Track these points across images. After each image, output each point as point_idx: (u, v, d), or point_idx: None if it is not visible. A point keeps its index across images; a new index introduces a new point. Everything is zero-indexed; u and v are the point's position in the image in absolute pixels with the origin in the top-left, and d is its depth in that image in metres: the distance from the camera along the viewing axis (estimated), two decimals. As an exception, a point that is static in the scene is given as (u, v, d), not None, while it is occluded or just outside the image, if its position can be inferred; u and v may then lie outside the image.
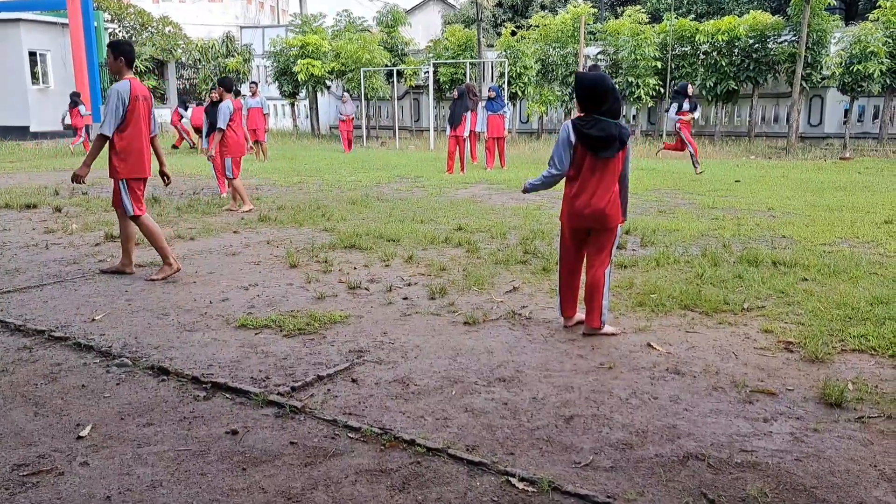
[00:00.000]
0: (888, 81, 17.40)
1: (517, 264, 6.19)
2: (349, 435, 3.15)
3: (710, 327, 4.56)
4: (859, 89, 17.57)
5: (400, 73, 23.85)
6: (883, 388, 3.57)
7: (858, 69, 17.00)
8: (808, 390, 3.58)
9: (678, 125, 13.47)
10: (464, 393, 3.59)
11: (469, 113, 13.90)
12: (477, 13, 23.58)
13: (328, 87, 25.38)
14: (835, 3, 19.62)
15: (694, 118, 13.82)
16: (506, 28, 22.99)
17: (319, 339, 4.39)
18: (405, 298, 5.22)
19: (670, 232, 7.50)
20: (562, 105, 21.51)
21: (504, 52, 21.51)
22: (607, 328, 4.45)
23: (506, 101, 15.53)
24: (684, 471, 2.84)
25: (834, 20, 18.95)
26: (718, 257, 6.23)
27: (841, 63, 17.78)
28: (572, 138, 4.27)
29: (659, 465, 2.89)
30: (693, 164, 13.66)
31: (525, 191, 4.73)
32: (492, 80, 21.10)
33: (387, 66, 23.24)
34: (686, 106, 13.38)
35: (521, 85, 21.48)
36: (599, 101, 4.24)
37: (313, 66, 23.07)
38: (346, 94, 20.53)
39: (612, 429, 3.21)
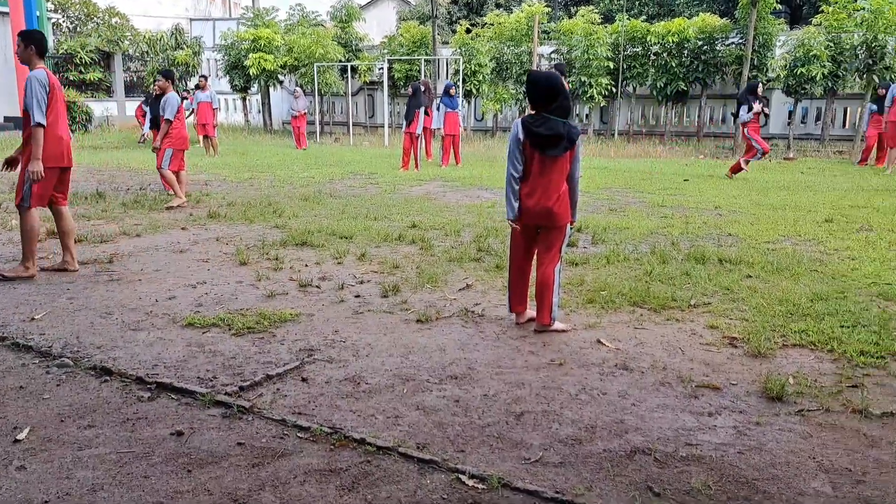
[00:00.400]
0: (829, 84, 17.96)
1: (471, 262, 6.20)
2: (298, 435, 3.11)
3: (658, 323, 4.65)
4: (802, 91, 18.10)
5: (354, 69, 23.68)
6: (822, 382, 3.68)
7: (802, 72, 17.51)
8: (750, 385, 3.67)
9: (748, 130, 12.46)
10: (415, 391, 3.58)
11: (423, 109, 13.86)
12: (432, 10, 23.55)
13: (281, 82, 25.04)
14: (780, 7, 20.14)
15: (766, 115, 12.80)
16: (461, 25, 23.00)
17: (269, 337, 4.32)
18: (357, 296, 5.18)
19: (621, 230, 7.61)
20: (516, 103, 21.64)
21: (459, 50, 21.53)
22: (557, 325, 4.49)
23: (460, 99, 15.54)
24: (631, 465, 2.89)
25: (779, 24, 19.48)
26: (667, 255, 6.35)
27: (785, 66, 18.28)
28: (521, 136, 4.30)
29: (607, 459, 2.93)
30: (756, 157, 12.80)
31: (510, 216, 4.44)
32: (447, 78, 21.12)
33: (341, 61, 23.05)
34: (756, 107, 12.25)
35: (476, 83, 21.53)
36: (550, 100, 4.27)
37: (265, 60, 22.73)
38: (298, 89, 20.28)
39: (562, 425, 3.24)
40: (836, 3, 17.69)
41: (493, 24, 22.30)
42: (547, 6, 22.47)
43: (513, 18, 21.85)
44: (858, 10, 17.32)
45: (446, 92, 14.70)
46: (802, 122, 19.83)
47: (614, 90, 20.68)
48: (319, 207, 9.06)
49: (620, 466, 2.87)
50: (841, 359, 3.99)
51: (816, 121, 19.63)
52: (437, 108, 14.86)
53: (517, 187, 4.41)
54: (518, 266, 4.60)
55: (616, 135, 21.06)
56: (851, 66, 17.70)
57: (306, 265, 6.09)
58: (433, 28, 22.55)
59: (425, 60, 21.49)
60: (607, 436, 3.13)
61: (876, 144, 14.87)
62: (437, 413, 3.34)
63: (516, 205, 4.41)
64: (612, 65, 20.29)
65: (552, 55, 21.90)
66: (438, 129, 14.88)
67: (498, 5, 32.49)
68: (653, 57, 20.28)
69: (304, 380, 3.70)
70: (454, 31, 25.11)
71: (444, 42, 24.80)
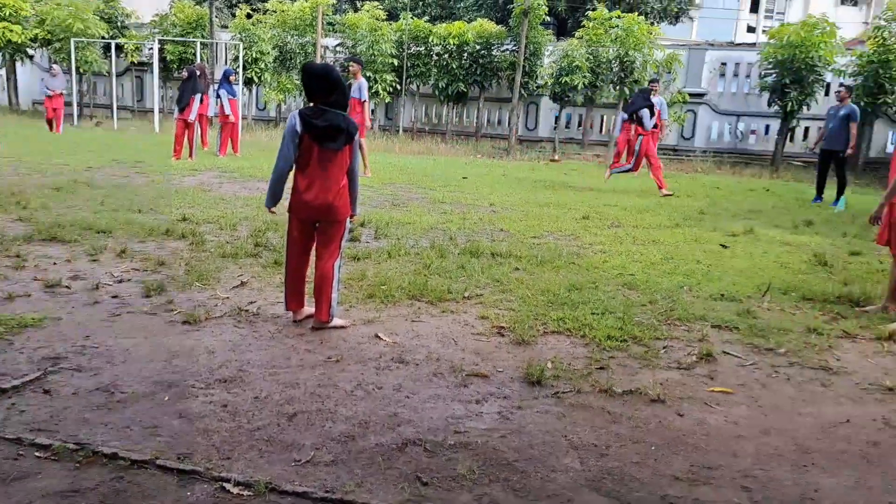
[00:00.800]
0: (589, 94, 19.79)
1: (247, 257, 5.94)
2: (37, 454, 2.76)
3: (435, 316, 4.78)
4: (566, 99, 19.75)
5: (120, 48, 21.72)
6: (575, 366, 4.01)
7: (566, 81, 19.10)
8: (514, 371, 3.90)
9: (641, 142, 11.62)
10: (178, 398, 3.34)
11: (200, 95, 13.07)
12: (210, -9, 22.29)
13: (31, 57, 22.26)
14: (549, 18, 21.78)
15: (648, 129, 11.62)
16: (241, 9, 22.03)
17: (5, 346, 3.79)
18: (115, 297, 4.72)
19: (403, 225, 7.74)
20: (300, 94, 21.20)
21: (239, 35, 20.62)
22: (336, 321, 4.44)
23: (240, 86, 14.84)
24: (402, 457, 2.93)
25: (547, 35, 21.05)
26: (445, 249, 6.56)
27: (552, 74, 19.83)
28: (298, 128, 4.19)
29: (379, 454, 2.94)
30: (610, 168, 11.96)
31: (269, 205, 4.43)
32: (226, 63, 20.12)
33: (104, 38, 21.01)
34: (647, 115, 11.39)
35: (258, 70, 20.77)
36: (328, 92, 4.21)
37: (11, 31, 20.08)
38: (56, 66, 18.15)
39: (336, 422, 3.20)
40: (595, 19, 19.52)
41: (275, 11, 21.65)
42: (332, -3, 22.30)
43: (297, 7, 21.39)
44: (613, 28, 19.25)
45: (225, 78, 13.99)
46: (567, 127, 21.66)
47: (399, 87, 21.06)
48: (74, 198, 8.15)
49: (392, 459, 2.90)
50: (591, 343, 4.38)
51: (578, 126, 21.53)
52: (217, 95, 14.09)
53: (283, 180, 4.33)
54: (295, 262, 4.48)
55: (401, 131, 21.48)
56: (607, 77, 19.63)
57: (55, 263, 5.43)
58: (210, 10, 21.36)
59: (202, 43, 20.29)
60: (380, 430, 3.15)
61: (625, 150, 16.64)
62: (202, 420, 3.14)
63: (278, 196, 4.38)
64: (396, 62, 20.64)
65: (337, 48, 21.78)
66: (221, 115, 14.09)
67: (282, -7, 31.55)
68: (435, 57, 20.94)
69: (46, 392, 3.29)
70: (234, 15, 23.95)
71: (222, 26, 23.62)
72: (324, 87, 4.23)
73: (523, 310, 4.91)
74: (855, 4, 40.16)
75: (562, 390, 3.66)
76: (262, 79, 20.95)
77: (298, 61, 21.06)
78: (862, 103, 16.23)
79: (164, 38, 21.00)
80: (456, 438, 3.10)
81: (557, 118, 21.15)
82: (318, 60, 19.89)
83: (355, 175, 4.45)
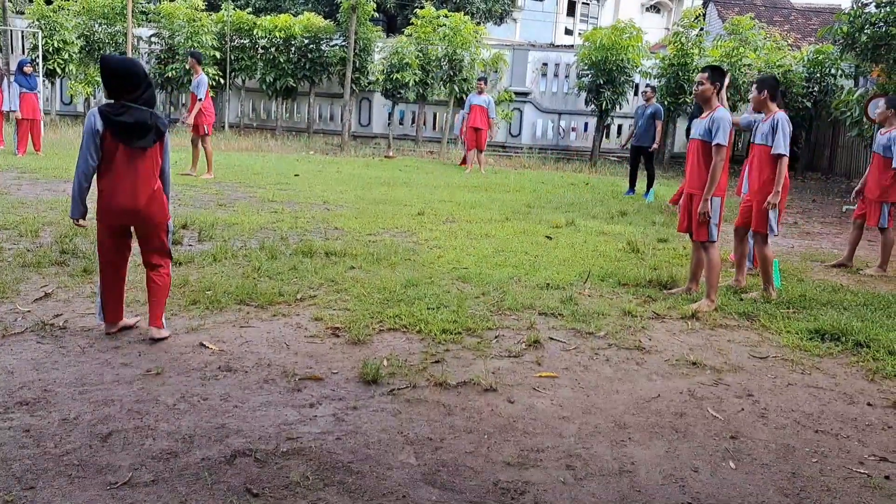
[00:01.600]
0: (421, 91, 20.06)
1: (52, 266, 5.41)
2: None
3: (265, 320, 4.61)
4: (398, 95, 19.89)
5: None
6: (411, 361, 4.03)
7: (397, 77, 19.23)
8: (350, 371, 3.85)
9: None
10: (-31, 427, 2.96)
11: (-7, 88, 11.74)
12: (1, -28, 20.01)
13: None
14: (377, 14, 21.77)
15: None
16: (40, -6, 20.00)
17: None
18: None
19: (230, 226, 7.41)
20: (114, 88, 19.67)
21: (37, 22, 18.73)
22: (162, 332, 4.15)
23: (40, 78, 13.48)
24: (231, 470, 2.79)
25: (377, 31, 21.05)
26: (276, 250, 6.35)
27: (383, 71, 19.88)
28: (99, 126, 3.86)
29: (205, 468, 2.78)
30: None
31: (74, 215, 4.04)
32: (23, 53, 18.19)
33: None
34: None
35: (62, 61, 18.99)
36: (132, 87, 3.92)
37: None
38: None
39: (157, 439, 2.98)
40: (423, 17, 19.80)
41: (80, -2, 19.90)
42: (145, -15, 20.88)
43: (105, -7, 19.79)
44: (441, 26, 19.64)
45: (20, 69, 12.64)
46: (400, 124, 21.82)
47: (223, 81, 20.16)
48: None
49: (219, 473, 2.75)
50: (427, 338, 4.42)
51: (412, 123, 21.78)
52: (8, 87, 12.69)
53: (86, 185, 3.98)
54: (111, 272, 4.13)
55: (227, 127, 20.58)
56: (437, 75, 20.00)
57: None
58: (3, -7, 19.18)
59: (-6, 30, 18.19)
60: (206, 443, 2.98)
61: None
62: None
63: (84, 205, 4.01)
64: (218, 55, 19.74)
65: (152, 38, 20.45)
66: (14, 111, 12.71)
67: (88, -23, 29.04)
68: (261, 51, 20.27)
69: None
70: (31, 1, 21.73)
71: (17, 11, 21.35)
72: (130, 83, 3.94)
73: (359, 309, 4.87)
74: (658, 12, 43.99)
75: (398, 387, 3.66)
76: (67, 70, 19.20)
77: (108, 52, 19.52)
78: (666, 102, 17.81)
79: (-54, 22, 18.57)
80: (289, 445, 3.00)
81: (391, 114, 21.24)
82: (131, 51, 18.60)
83: (167, 176, 4.19)
